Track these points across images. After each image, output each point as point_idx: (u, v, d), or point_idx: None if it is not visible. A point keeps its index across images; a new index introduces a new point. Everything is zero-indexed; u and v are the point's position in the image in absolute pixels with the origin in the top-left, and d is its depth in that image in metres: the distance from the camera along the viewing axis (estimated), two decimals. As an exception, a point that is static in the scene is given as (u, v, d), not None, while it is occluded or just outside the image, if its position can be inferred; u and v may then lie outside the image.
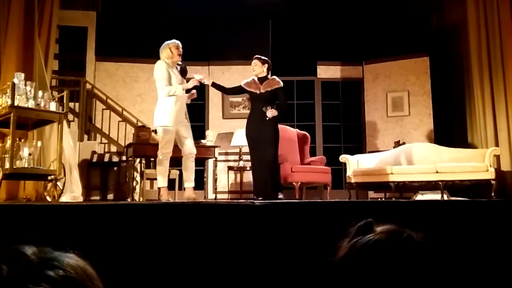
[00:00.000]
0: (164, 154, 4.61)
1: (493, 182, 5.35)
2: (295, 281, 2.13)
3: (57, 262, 0.64)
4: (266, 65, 5.04)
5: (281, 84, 4.99)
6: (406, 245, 0.78)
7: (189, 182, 4.78)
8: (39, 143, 4.29)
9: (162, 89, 4.58)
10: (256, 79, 5.01)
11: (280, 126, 6.73)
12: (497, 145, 5.84)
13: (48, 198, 4.57)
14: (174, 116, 4.58)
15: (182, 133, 4.72)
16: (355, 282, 0.77)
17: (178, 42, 4.78)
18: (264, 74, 4.99)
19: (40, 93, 4.17)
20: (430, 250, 0.79)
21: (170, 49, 4.69)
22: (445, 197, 5.58)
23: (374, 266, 0.76)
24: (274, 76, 5.06)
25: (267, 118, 4.81)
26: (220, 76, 7.49)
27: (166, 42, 4.78)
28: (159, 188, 4.82)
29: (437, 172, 5.61)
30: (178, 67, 4.83)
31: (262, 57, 5.13)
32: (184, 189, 4.85)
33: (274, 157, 4.81)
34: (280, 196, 4.73)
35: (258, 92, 4.93)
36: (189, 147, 4.75)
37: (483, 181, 5.42)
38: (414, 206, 3.05)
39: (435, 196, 5.80)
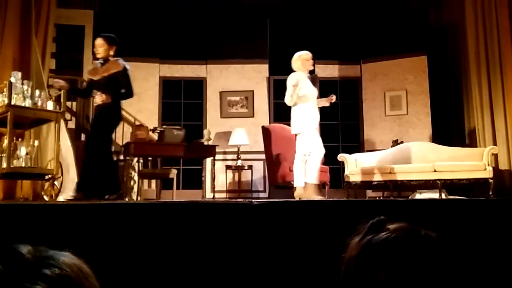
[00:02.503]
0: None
1: (491, 181, 5.35)
2: (293, 280, 2.13)
3: (52, 260, 0.64)
4: (115, 47, 4.53)
5: (122, 66, 4.43)
6: (424, 243, 0.77)
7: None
8: (36, 143, 4.28)
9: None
10: (100, 63, 4.55)
11: (278, 124, 6.78)
12: (495, 144, 5.84)
13: (46, 198, 4.55)
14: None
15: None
16: (371, 279, 0.76)
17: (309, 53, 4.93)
18: (109, 57, 4.51)
19: (37, 92, 4.15)
20: (447, 249, 0.78)
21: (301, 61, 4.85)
22: (443, 196, 5.58)
23: (393, 263, 0.75)
24: (116, 58, 4.53)
25: (96, 105, 4.41)
26: (218, 75, 7.49)
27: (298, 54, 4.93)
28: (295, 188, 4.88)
29: (435, 171, 5.61)
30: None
31: (111, 36, 4.60)
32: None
33: (102, 151, 4.30)
34: (108, 197, 4.34)
35: (95, 78, 4.49)
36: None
37: (481, 180, 5.42)
38: (413, 204, 3.05)
39: (433, 195, 5.80)
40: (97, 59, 4.60)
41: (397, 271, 0.74)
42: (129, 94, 4.52)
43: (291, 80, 4.80)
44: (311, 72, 5.02)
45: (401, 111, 7.17)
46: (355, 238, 0.84)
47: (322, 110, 7.60)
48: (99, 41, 4.54)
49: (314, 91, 4.90)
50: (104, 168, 4.28)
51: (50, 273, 0.61)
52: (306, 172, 4.79)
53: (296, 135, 4.85)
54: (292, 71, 4.91)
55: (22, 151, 4.08)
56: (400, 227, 0.81)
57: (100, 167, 4.23)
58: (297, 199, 4.72)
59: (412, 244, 0.77)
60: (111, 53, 4.50)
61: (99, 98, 4.35)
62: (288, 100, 4.82)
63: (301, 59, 4.88)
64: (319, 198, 4.60)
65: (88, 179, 4.22)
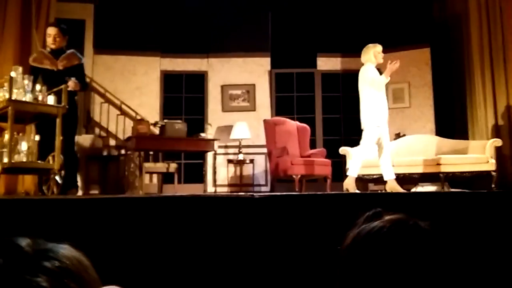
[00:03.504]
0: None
1: (493, 173, 5.33)
2: (295, 272, 2.12)
3: (52, 253, 0.64)
4: (67, 38, 4.57)
5: (81, 59, 4.58)
6: (411, 232, 0.77)
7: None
8: (37, 137, 4.27)
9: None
10: (50, 54, 4.50)
11: (279, 118, 6.76)
12: (498, 136, 5.81)
13: (47, 192, 4.55)
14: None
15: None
16: (360, 269, 0.76)
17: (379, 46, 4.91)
18: (63, 47, 4.53)
19: (38, 86, 4.14)
20: (436, 238, 0.77)
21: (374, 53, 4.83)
22: (446, 189, 5.57)
23: (378, 253, 0.75)
24: (72, 50, 4.61)
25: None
26: (220, 69, 7.46)
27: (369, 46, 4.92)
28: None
29: (437, 164, 5.59)
30: None
31: (64, 27, 4.60)
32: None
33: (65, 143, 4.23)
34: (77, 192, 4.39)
35: (54, 68, 4.45)
36: None
37: (483, 172, 5.40)
38: (415, 197, 3.04)
39: (435, 188, 5.78)
40: (45, 47, 4.63)
41: (384, 260, 0.74)
42: (85, 87, 4.67)
43: (367, 72, 4.77)
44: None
45: (404, 103, 7.14)
46: (352, 230, 0.85)
47: (324, 103, 7.63)
48: (55, 31, 4.52)
49: (384, 84, 4.88)
50: (68, 163, 4.32)
51: (50, 266, 0.62)
52: (352, 165, 4.88)
53: (367, 129, 4.83)
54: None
55: (23, 146, 4.07)
56: (391, 218, 0.81)
57: (65, 162, 4.25)
58: (389, 191, 4.78)
59: (399, 233, 0.77)
60: (64, 43, 4.56)
61: (72, 85, 4.35)
62: (367, 93, 4.78)
63: (374, 51, 4.86)
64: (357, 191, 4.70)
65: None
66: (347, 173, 4.92)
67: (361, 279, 0.75)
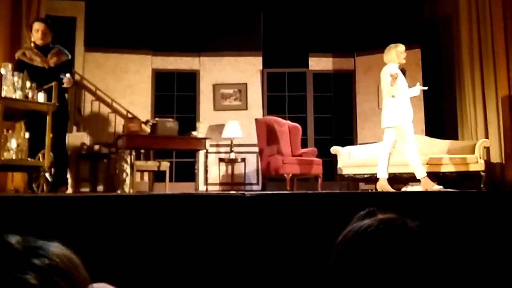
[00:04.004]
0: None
1: (482, 173, 5.38)
2: (286, 271, 2.13)
3: (42, 250, 0.64)
4: (53, 33, 4.48)
5: (69, 56, 4.59)
6: (397, 232, 0.77)
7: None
8: (27, 135, 4.23)
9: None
10: (36, 50, 4.41)
11: (271, 117, 6.77)
12: (487, 137, 5.87)
13: (37, 190, 4.52)
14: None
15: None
16: (348, 267, 0.77)
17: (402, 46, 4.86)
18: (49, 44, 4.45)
19: (28, 83, 4.10)
20: (424, 238, 0.78)
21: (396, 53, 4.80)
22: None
23: (365, 251, 0.76)
24: (59, 47, 4.53)
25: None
26: (212, 68, 7.45)
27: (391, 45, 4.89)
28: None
29: (427, 163, 5.63)
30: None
31: (49, 22, 4.53)
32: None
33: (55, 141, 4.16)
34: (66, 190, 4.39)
35: (45, 66, 4.39)
36: None
37: (473, 172, 5.45)
38: (405, 197, 3.06)
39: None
40: (33, 44, 4.53)
41: (370, 259, 0.75)
42: (74, 83, 4.64)
43: (387, 71, 4.73)
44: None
45: (394, 104, 7.17)
46: (345, 230, 0.85)
47: (315, 103, 7.65)
48: (43, 26, 4.44)
49: (406, 84, 4.85)
50: (59, 160, 4.30)
51: (40, 263, 0.61)
52: (380, 166, 4.83)
53: (386, 128, 4.82)
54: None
55: (13, 143, 4.04)
56: (382, 217, 0.81)
57: (56, 159, 4.22)
58: (379, 190, 4.78)
59: (385, 232, 0.77)
60: (50, 39, 4.49)
61: (68, 82, 4.32)
62: (387, 92, 4.75)
63: (396, 51, 4.82)
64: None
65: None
66: (378, 176, 4.86)
67: (349, 277, 0.76)
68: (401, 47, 4.86)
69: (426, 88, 5.21)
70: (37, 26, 4.47)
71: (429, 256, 0.76)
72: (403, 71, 4.98)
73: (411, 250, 0.75)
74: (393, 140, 4.80)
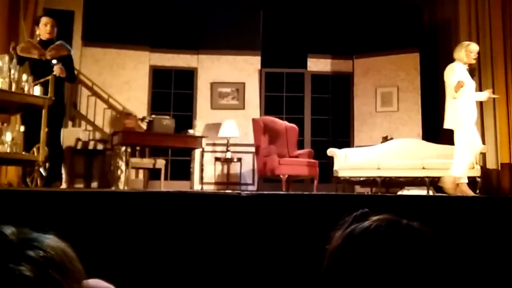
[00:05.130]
0: None
1: (478, 179, 5.39)
2: (280, 270, 2.11)
3: (37, 242, 0.63)
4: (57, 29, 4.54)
5: (70, 50, 4.62)
6: (405, 232, 0.77)
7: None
8: (22, 128, 4.20)
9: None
10: (39, 44, 4.48)
11: (268, 117, 6.76)
12: (483, 143, 5.88)
13: (31, 184, 4.49)
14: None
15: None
16: (353, 268, 0.75)
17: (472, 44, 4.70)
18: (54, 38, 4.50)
19: (24, 76, 4.07)
20: (428, 238, 0.77)
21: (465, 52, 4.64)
22: (431, 193, 5.62)
23: (374, 252, 0.75)
24: (61, 41, 4.60)
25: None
26: (210, 66, 7.43)
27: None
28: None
29: (423, 168, 5.64)
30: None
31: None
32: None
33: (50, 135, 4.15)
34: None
35: (43, 58, 4.41)
36: None
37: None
38: (400, 200, 3.06)
39: (421, 191, 5.83)
40: (33, 38, 4.62)
41: (379, 260, 0.74)
42: (73, 78, 4.66)
43: (450, 71, 4.61)
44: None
45: (392, 107, 7.19)
46: (338, 231, 0.84)
47: (313, 104, 7.64)
48: (52, 21, 4.50)
49: (472, 85, 4.68)
50: (54, 155, 4.28)
51: (34, 255, 0.61)
52: (459, 170, 4.60)
53: (452, 130, 4.68)
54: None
55: (8, 136, 4.00)
56: (383, 218, 0.81)
57: (51, 153, 4.21)
58: (446, 188, 4.59)
59: (394, 232, 0.77)
60: (55, 34, 4.56)
61: (58, 70, 4.31)
62: (451, 93, 4.59)
63: (466, 50, 4.66)
64: (471, 193, 4.56)
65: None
66: (460, 181, 4.63)
67: (353, 278, 0.75)
68: (472, 46, 4.67)
69: (497, 96, 4.99)
70: (46, 21, 4.52)
71: (437, 256, 0.75)
72: (472, 70, 4.79)
73: (420, 250, 0.75)
74: (465, 140, 4.58)
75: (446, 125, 4.72)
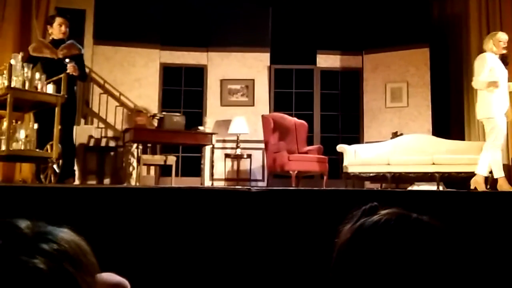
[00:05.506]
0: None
1: (488, 174, 5.36)
2: (290, 265, 2.14)
3: (51, 235, 0.64)
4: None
5: (81, 49, 4.71)
6: (415, 226, 0.77)
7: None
8: (35, 126, 4.27)
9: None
10: (50, 43, 4.55)
11: (278, 114, 6.78)
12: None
13: (44, 181, 4.56)
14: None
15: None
16: (363, 262, 0.76)
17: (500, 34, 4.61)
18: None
19: (37, 75, 4.13)
20: (438, 232, 0.78)
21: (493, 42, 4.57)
22: (441, 189, 5.60)
23: (384, 245, 0.75)
24: (72, 41, 4.68)
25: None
26: (219, 63, 7.46)
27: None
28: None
29: (433, 163, 5.62)
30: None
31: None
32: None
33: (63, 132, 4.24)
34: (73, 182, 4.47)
35: (55, 57, 4.50)
36: None
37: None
38: (410, 196, 3.06)
39: (431, 187, 5.82)
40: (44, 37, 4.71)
41: (388, 254, 0.74)
42: (85, 77, 4.73)
43: (481, 61, 4.53)
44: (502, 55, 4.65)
45: (402, 103, 7.16)
46: (347, 224, 0.84)
47: (322, 100, 7.64)
48: (67, 22, 4.59)
49: (505, 74, 4.57)
50: (66, 152, 4.35)
51: (48, 248, 0.61)
52: (495, 165, 4.52)
53: (483, 120, 4.59)
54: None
55: (21, 134, 4.08)
56: (392, 211, 0.81)
57: (64, 151, 4.27)
58: (472, 187, 4.53)
59: (403, 226, 0.77)
60: (68, 34, 4.64)
61: (71, 68, 4.38)
62: (477, 83, 4.51)
63: (494, 39, 4.58)
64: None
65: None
66: (496, 176, 4.54)
67: (363, 272, 0.75)
68: (500, 35, 4.58)
69: None
70: (61, 21, 4.61)
71: (447, 249, 0.76)
72: (504, 58, 4.66)
73: (430, 244, 0.75)
74: (496, 131, 4.47)
75: (478, 116, 4.64)
